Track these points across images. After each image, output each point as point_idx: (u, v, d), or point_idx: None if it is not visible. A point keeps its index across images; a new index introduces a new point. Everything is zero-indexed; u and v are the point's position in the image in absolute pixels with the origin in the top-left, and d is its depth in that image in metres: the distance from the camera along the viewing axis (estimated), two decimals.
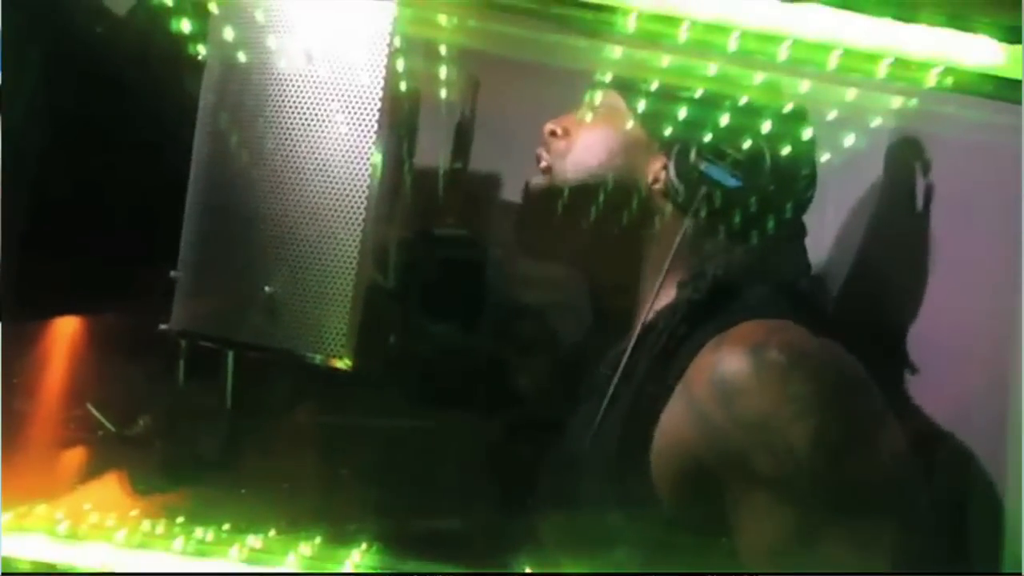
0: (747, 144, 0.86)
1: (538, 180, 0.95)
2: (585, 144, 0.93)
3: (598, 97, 0.94)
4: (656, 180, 0.90)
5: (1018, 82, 0.66)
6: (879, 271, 1.01)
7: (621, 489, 0.81)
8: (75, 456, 0.92)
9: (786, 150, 0.87)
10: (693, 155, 0.86)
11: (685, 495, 0.79)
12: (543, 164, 0.95)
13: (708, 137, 0.86)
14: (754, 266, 0.87)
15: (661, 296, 0.88)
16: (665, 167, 0.89)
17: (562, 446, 0.90)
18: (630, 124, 0.91)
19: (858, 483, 0.75)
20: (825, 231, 1.01)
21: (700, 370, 0.79)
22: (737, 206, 0.86)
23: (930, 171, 0.92)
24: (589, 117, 0.94)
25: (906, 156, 0.95)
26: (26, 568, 0.63)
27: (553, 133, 0.95)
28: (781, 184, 0.87)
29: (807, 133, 0.89)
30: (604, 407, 0.83)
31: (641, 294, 0.91)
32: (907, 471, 0.78)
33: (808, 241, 0.92)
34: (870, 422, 0.78)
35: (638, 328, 0.86)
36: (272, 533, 0.72)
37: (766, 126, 0.86)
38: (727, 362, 0.77)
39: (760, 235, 0.88)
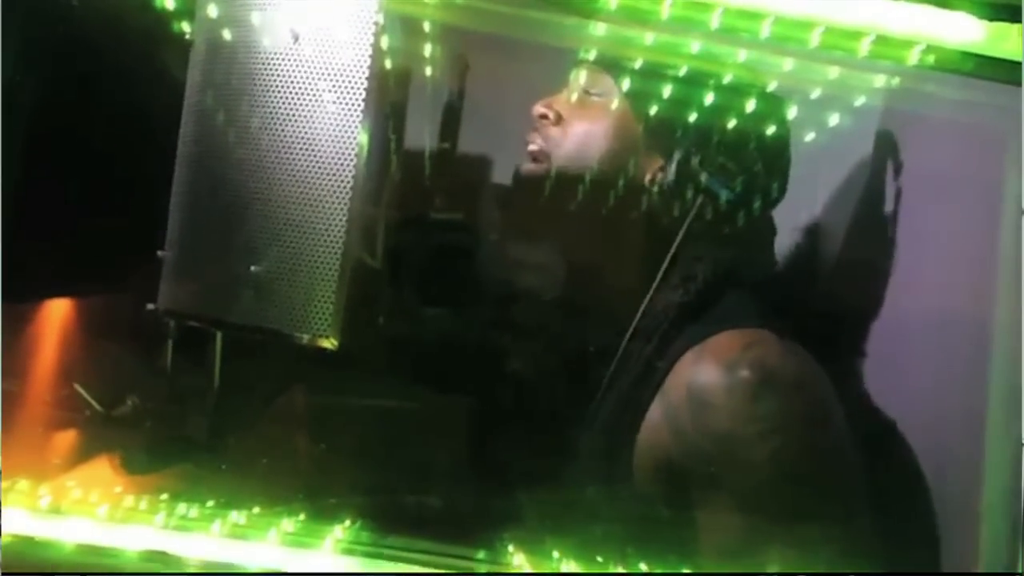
0: (741, 153, 0.87)
1: (530, 167, 0.94)
2: (582, 135, 0.91)
3: (591, 82, 0.92)
4: (653, 181, 0.89)
5: (999, 60, 0.66)
6: (858, 257, 1.01)
7: (607, 480, 0.85)
8: (63, 436, 0.92)
9: (771, 153, 0.88)
10: (695, 165, 0.87)
11: (658, 492, 0.84)
12: (534, 148, 0.93)
13: (708, 145, 0.87)
14: (737, 268, 0.89)
15: (655, 294, 0.88)
16: (663, 168, 0.89)
17: (553, 432, 0.91)
18: (627, 118, 0.90)
19: (812, 503, 0.79)
20: (804, 216, 1.01)
21: (678, 379, 0.84)
22: (729, 215, 0.88)
23: (900, 159, 0.93)
24: (581, 101, 0.93)
25: (886, 144, 0.96)
26: (8, 541, 0.63)
27: (544, 117, 0.93)
28: (770, 189, 0.89)
29: (785, 131, 0.89)
30: (597, 401, 0.87)
31: (629, 287, 0.91)
32: (862, 491, 0.82)
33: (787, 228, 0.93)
34: (829, 442, 0.82)
35: (632, 324, 0.88)
36: (256, 510, 0.73)
37: (755, 128, 0.87)
38: (702, 375, 0.82)
39: (745, 237, 0.89)
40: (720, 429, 0.80)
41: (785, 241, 0.95)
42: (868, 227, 1.00)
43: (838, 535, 0.79)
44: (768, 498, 0.79)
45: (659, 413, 0.84)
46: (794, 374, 0.82)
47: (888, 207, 0.95)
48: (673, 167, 0.88)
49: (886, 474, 0.87)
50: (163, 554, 0.64)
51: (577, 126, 0.92)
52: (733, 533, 0.80)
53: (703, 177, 0.87)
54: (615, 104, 0.91)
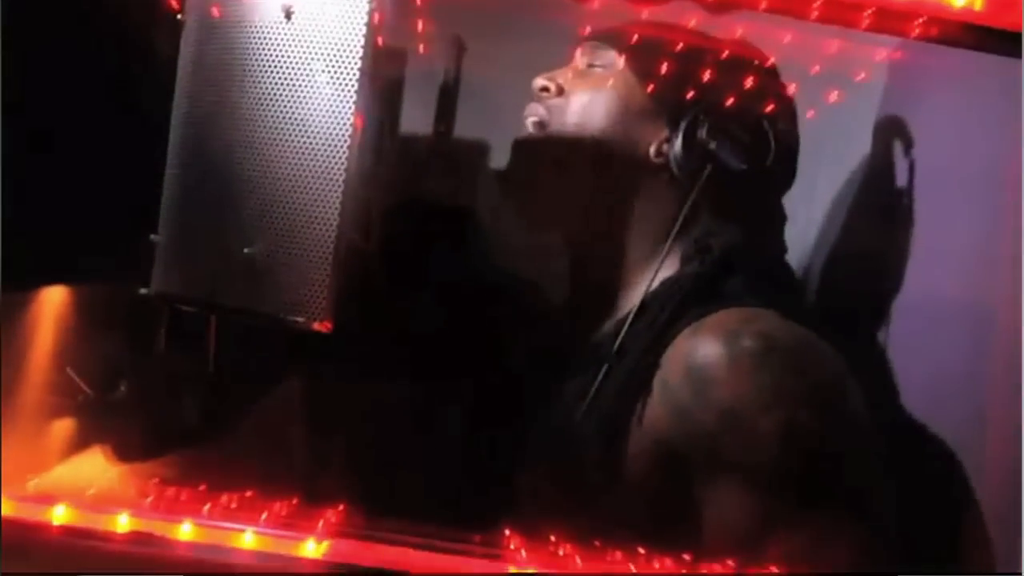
0: (754, 124, 0.85)
1: (530, 135, 0.93)
2: (584, 104, 0.90)
3: (593, 56, 0.92)
4: (659, 153, 0.88)
5: (997, 31, 0.65)
6: (855, 240, 1.00)
7: (603, 465, 0.83)
8: (55, 422, 0.91)
9: (784, 128, 0.86)
10: (703, 132, 0.85)
11: (656, 477, 0.81)
12: (535, 119, 0.92)
13: (716, 113, 0.85)
14: (749, 245, 0.87)
15: (661, 270, 0.87)
16: (668, 139, 0.87)
17: (552, 415, 0.89)
18: (632, 89, 0.89)
19: (823, 477, 0.77)
20: (803, 196, 1.00)
21: (676, 355, 0.81)
22: (738, 186, 0.86)
23: (912, 144, 0.92)
24: (583, 73, 0.92)
25: (890, 129, 0.95)
26: None
27: (545, 89, 0.92)
28: (780, 165, 0.87)
29: (797, 108, 0.88)
30: (599, 381, 0.84)
31: (632, 264, 0.90)
32: (875, 467, 0.80)
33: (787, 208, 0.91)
34: (841, 417, 0.79)
35: (638, 300, 0.86)
36: (248, 493, 0.72)
37: (768, 103, 0.85)
38: (701, 348, 0.79)
39: (754, 214, 0.88)
40: (724, 402, 0.77)
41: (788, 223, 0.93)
42: (867, 208, 0.99)
43: (854, 516, 0.76)
44: (777, 477, 0.76)
45: (656, 394, 0.81)
46: (800, 345, 0.80)
47: (889, 186, 0.94)
48: (680, 137, 0.86)
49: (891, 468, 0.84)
50: (151, 536, 0.63)
51: (578, 95, 0.91)
52: (740, 515, 0.77)
53: (712, 145, 0.85)
54: (618, 76, 0.90)
